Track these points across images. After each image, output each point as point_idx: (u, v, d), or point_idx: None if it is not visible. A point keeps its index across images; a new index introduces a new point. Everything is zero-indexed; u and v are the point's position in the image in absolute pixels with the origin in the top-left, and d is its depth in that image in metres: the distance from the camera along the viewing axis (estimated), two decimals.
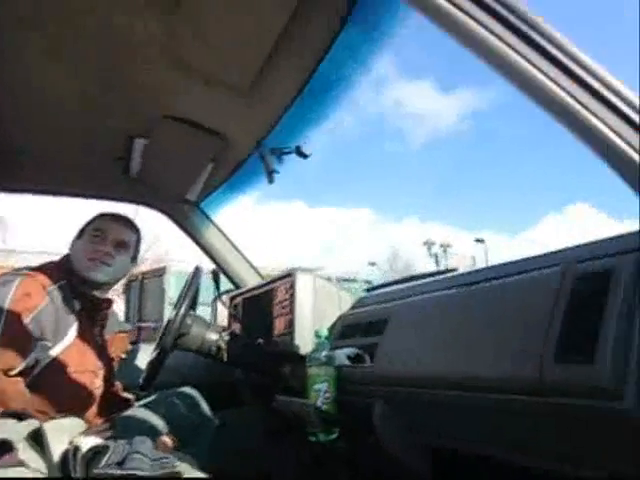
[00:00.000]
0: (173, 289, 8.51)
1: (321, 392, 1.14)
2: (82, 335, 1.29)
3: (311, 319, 1.33)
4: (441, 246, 20.25)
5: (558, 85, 0.57)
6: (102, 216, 1.42)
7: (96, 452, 0.85)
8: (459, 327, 0.90)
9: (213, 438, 1.48)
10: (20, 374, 1.13)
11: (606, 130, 0.56)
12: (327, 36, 1.07)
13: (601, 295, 0.67)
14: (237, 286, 1.97)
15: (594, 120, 0.56)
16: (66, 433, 0.90)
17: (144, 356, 1.82)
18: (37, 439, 0.84)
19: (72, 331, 1.26)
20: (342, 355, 1.18)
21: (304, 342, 1.31)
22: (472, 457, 1.00)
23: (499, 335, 0.80)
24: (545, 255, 0.90)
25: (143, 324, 8.57)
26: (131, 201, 1.98)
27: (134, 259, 1.48)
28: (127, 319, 9.33)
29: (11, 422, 0.87)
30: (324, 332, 1.21)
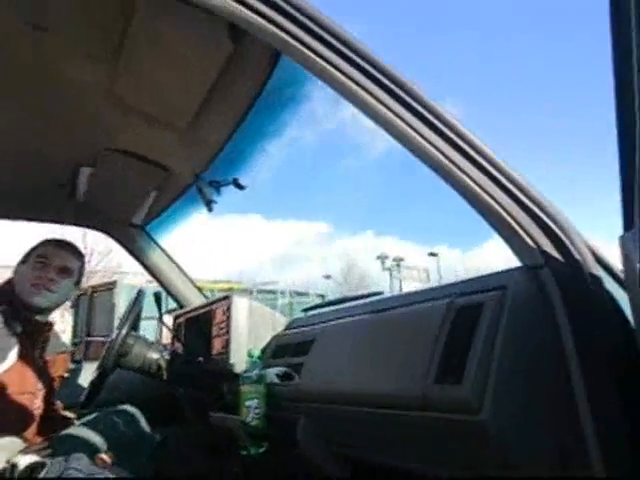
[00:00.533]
0: (123, 303, 8.35)
1: (252, 408, 1.24)
2: (23, 358, 1.32)
3: (246, 339, 1.43)
4: (394, 260, 20.72)
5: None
6: (47, 242, 1.46)
7: (33, 469, 0.92)
8: (368, 349, 1.02)
9: (152, 454, 1.54)
10: None
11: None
12: (255, 86, 1.18)
13: (473, 325, 0.79)
14: (181, 305, 2.05)
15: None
16: (4, 452, 0.95)
17: (87, 375, 1.86)
18: None
19: (12, 354, 1.29)
20: (272, 374, 1.29)
21: (239, 361, 1.41)
22: (383, 466, 1.12)
23: (396, 357, 0.92)
24: (438, 288, 1.04)
25: (92, 338, 8.35)
26: (78, 224, 2.02)
27: (77, 284, 1.53)
28: (75, 333, 9.06)
29: None
30: (256, 352, 1.31)
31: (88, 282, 9.96)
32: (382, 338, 1.00)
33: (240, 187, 1.49)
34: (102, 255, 16.49)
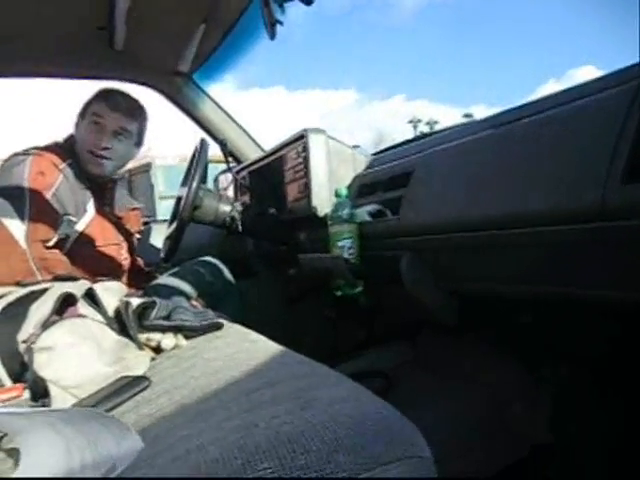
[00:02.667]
0: (161, 183, 8.43)
1: (345, 248, 1.17)
2: (99, 211, 1.31)
3: (327, 180, 1.32)
4: (427, 124, 19.80)
5: None
6: (102, 99, 1.35)
7: (145, 307, 0.89)
8: (496, 167, 0.86)
9: (235, 305, 1.55)
10: (55, 247, 1.14)
11: None
12: None
13: None
14: (238, 161, 1.94)
15: None
16: (114, 293, 0.93)
17: (157, 234, 1.84)
18: (91, 298, 0.87)
19: (90, 207, 1.28)
20: (363, 212, 1.20)
21: (321, 204, 1.31)
22: (499, 298, 1.04)
23: (551, 164, 0.75)
24: (615, 73, 0.76)
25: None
26: (118, 78, 1.85)
27: (138, 144, 1.44)
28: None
29: (65, 283, 0.90)
30: (344, 191, 1.21)
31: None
32: (520, 150, 0.82)
33: (308, 2, 1.26)
34: None
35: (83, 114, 1.34)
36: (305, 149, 1.33)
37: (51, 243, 1.14)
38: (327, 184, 1.32)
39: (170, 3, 1.42)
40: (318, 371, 0.69)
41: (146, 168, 9.02)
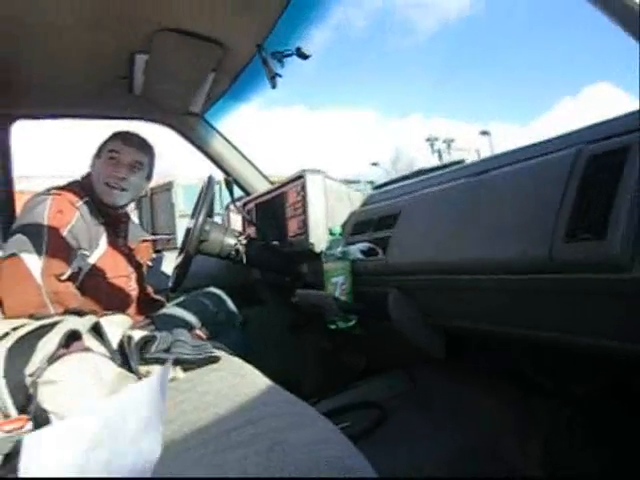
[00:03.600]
0: (182, 202, 8.65)
1: (338, 285, 1.24)
2: (111, 244, 1.40)
3: (324, 218, 1.40)
4: (444, 141, 19.82)
5: None
6: (117, 137, 1.47)
7: (146, 341, 0.97)
8: (469, 215, 0.94)
9: (238, 333, 1.63)
10: (68, 280, 1.24)
11: None
12: None
13: (615, 173, 0.67)
14: (247, 193, 2.03)
15: None
16: (118, 327, 1.01)
17: (168, 262, 1.94)
18: (97, 331, 0.95)
19: (103, 241, 1.37)
20: (356, 250, 1.26)
21: (318, 240, 1.39)
22: (482, 335, 1.10)
23: (510, 219, 0.83)
24: (556, 138, 0.89)
25: (157, 237, 8.84)
26: (137, 118, 1.98)
27: (149, 178, 1.55)
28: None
29: (74, 317, 0.98)
30: (337, 229, 1.29)
31: None
32: (487, 201, 0.91)
33: (304, 56, 1.37)
34: (156, 158, 16.83)
35: (99, 153, 1.46)
36: (303, 188, 1.41)
37: (64, 277, 1.22)
38: (324, 222, 1.40)
39: (183, 55, 1.53)
40: (297, 411, 0.76)
41: (167, 187, 9.29)
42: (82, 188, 1.39)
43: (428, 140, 20.36)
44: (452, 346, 1.20)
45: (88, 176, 1.44)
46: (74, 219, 1.28)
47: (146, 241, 1.63)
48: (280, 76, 1.43)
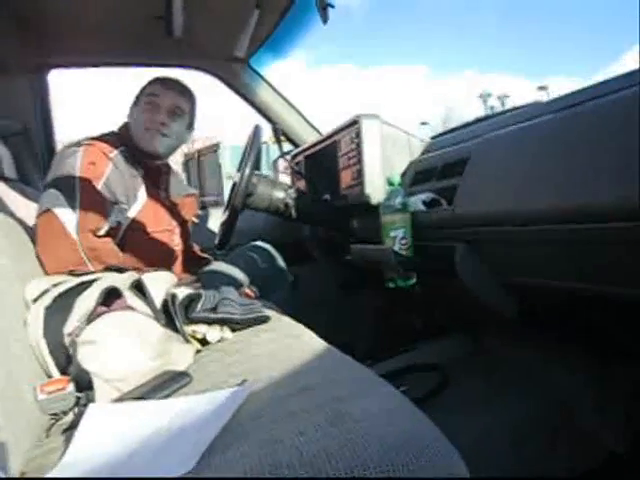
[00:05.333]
0: (228, 163, 8.66)
1: (397, 239, 1.12)
2: (151, 197, 1.32)
3: (381, 167, 1.27)
4: (498, 98, 18.80)
5: None
6: (155, 81, 1.37)
7: (191, 299, 0.90)
8: (553, 156, 0.80)
9: (289, 290, 1.55)
10: (107, 235, 1.18)
11: None
12: None
13: None
14: (296, 145, 1.92)
15: None
16: (162, 284, 0.95)
17: (214, 219, 1.87)
18: (139, 288, 0.90)
19: (141, 193, 1.29)
20: (417, 200, 1.14)
21: (375, 191, 1.27)
22: (562, 296, 0.97)
23: (603, 160, 0.70)
24: None
25: (205, 198, 8.94)
26: (179, 65, 1.89)
27: (190, 126, 1.44)
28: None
29: (114, 274, 0.93)
30: (396, 178, 1.16)
31: (193, 147, 10.38)
32: (575, 139, 0.77)
33: None
34: (201, 121, 17.00)
35: (137, 100, 1.37)
36: (358, 135, 1.28)
37: (102, 232, 1.16)
38: (381, 171, 1.27)
39: None
40: (357, 376, 0.67)
41: (214, 148, 9.31)
42: (118, 138, 1.31)
43: (481, 96, 19.39)
44: (524, 307, 1.07)
45: (125, 126, 1.36)
46: (108, 170, 1.21)
47: (190, 195, 1.54)
48: (332, 6, 1.28)
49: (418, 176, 1.23)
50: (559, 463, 1.02)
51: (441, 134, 1.51)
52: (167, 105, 1.33)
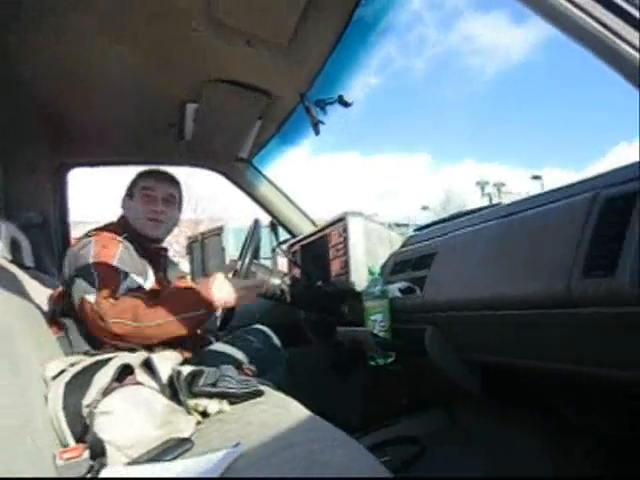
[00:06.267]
0: (232, 246, 8.90)
1: (377, 322, 1.27)
2: (157, 279, 1.45)
3: (364, 259, 1.45)
4: (494, 185, 19.64)
5: None
6: (147, 175, 1.54)
7: (194, 375, 1.03)
8: (497, 254, 0.99)
9: (284, 370, 1.66)
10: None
11: (605, 31, 0.56)
12: None
13: (626, 215, 0.72)
14: (293, 235, 2.12)
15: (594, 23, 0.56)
16: (168, 362, 1.08)
17: None
18: (148, 366, 1.03)
19: (150, 274, 1.43)
20: (394, 288, 1.30)
21: (359, 280, 1.43)
22: (516, 370, 1.10)
23: (533, 258, 0.88)
24: (579, 183, 0.95)
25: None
26: (189, 164, 2.12)
27: (180, 209, 1.61)
28: (192, 278, 9.86)
29: (127, 353, 1.07)
30: (377, 269, 1.33)
31: (197, 229, 10.70)
32: (515, 241, 0.96)
33: (346, 104, 1.46)
34: (207, 202, 17.54)
35: (131, 192, 1.51)
36: (345, 230, 1.48)
37: (118, 294, 1.22)
38: (364, 262, 1.44)
39: (231, 103, 1.67)
40: (331, 436, 0.80)
41: (218, 232, 9.58)
42: (120, 226, 1.46)
43: (478, 184, 20.26)
44: (489, 382, 1.20)
45: (122, 218, 1.52)
46: (119, 250, 1.33)
47: (183, 277, 1.69)
48: (323, 123, 1.53)
49: (396, 267, 1.40)
50: None
51: (420, 228, 1.70)
52: (162, 195, 1.50)
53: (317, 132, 1.57)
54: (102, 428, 0.85)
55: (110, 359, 1.02)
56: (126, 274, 1.30)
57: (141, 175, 1.55)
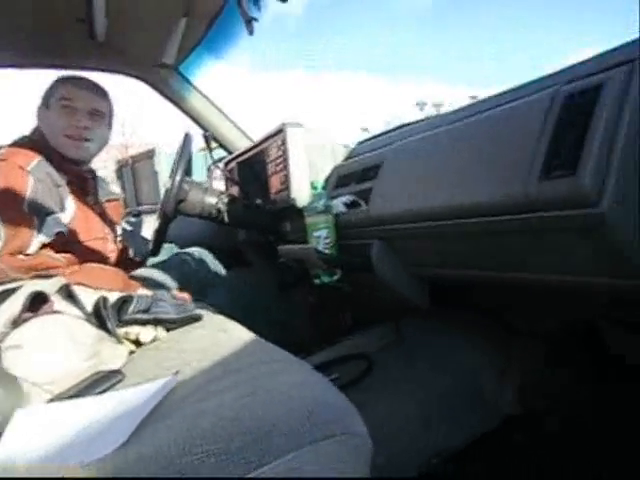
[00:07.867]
0: (166, 171, 8.48)
1: (321, 238, 1.21)
2: (80, 205, 1.27)
3: (306, 172, 1.35)
4: (434, 105, 19.70)
5: None
6: (65, 81, 1.29)
7: (123, 301, 0.94)
8: (448, 162, 0.92)
9: (225, 294, 1.60)
10: (45, 247, 1.12)
11: None
12: None
13: (587, 111, 0.67)
14: (229, 152, 1.97)
15: None
16: (91, 289, 0.97)
17: (148, 227, 1.89)
18: (68, 293, 0.92)
19: (69, 203, 1.23)
20: (339, 203, 1.23)
21: (300, 196, 1.35)
22: (463, 282, 1.09)
23: (488, 163, 0.82)
24: (536, 80, 0.87)
25: (142, 207, 8.67)
26: (104, 69, 1.85)
27: (109, 127, 1.39)
28: (125, 205, 9.40)
29: (40, 280, 0.94)
30: (319, 183, 1.25)
31: (127, 153, 10.07)
32: (468, 147, 0.89)
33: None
34: (137, 125, 16.45)
35: (47, 102, 1.28)
36: (284, 143, 1.36)
37: (32, 249, 1.08)
38: (306, 176, 1.35)
39: None
40: (277, 358, 0.74)
41: (150, 154, 9.06)
42: (33, 145, 1.21)
43: (417, 104, 20.26)
44: (436, 295, 1.19)
45: (37, 130, 1.28)
46: (29, 186, 1.10)
47: (114, 199, 1.51)
48: (256, 20, 1.35)
49: (340, 180, 1.32)
50: (461, 429, 1.15)
51: (363, 141, 1.62)
52: (85, 108, 1.27)
53: (251, 31, 1.39)
54: (11, 364, 0.75)
55: (20, 287, 0.89)
56: (42, 217, 1.11)
57: (59, 81, 1.30)
